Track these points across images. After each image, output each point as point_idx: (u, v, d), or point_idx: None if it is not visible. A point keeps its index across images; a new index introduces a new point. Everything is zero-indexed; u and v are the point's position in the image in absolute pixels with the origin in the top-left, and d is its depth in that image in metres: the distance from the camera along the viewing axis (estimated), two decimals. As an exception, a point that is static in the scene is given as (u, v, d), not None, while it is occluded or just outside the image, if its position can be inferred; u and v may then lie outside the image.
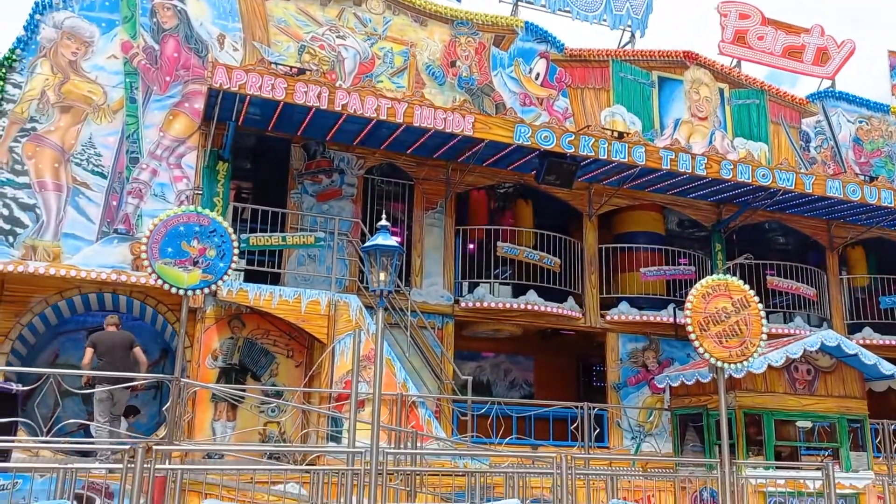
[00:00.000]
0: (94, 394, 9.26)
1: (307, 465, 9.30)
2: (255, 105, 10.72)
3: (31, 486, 6.75)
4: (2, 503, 7.15)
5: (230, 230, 9.27)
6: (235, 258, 9.22)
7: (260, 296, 10.54)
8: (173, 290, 8.83)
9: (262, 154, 12.87)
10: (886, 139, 17.01)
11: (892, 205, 13.52)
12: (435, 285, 12.44)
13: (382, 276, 8.17)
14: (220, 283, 9.14)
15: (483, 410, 11.30)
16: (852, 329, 15.04)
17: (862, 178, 14.31)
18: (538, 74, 14.15)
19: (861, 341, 13.78)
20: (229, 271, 9.17)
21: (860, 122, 16.86)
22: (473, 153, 11.95)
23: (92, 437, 9.51)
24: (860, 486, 11.22)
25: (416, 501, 8.86)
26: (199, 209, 9.39)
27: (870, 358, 11.68)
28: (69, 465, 6.93)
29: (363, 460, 7.66)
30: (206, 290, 9.20)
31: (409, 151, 12.20)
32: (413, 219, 12.67)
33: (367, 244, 8.28)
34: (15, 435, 8.45)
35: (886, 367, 11.74)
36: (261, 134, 11.91)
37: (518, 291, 12.89)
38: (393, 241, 8.18)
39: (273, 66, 10.83)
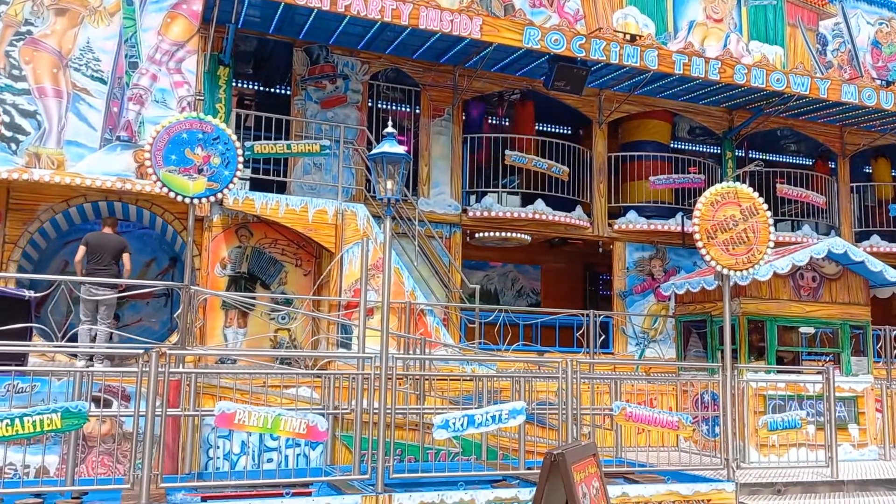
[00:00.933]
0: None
1: (318, 370, 9.50)
2: (254, 6, 10.37)
3: (49, 389, 6.91)
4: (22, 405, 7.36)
5: (234, 137, 9.09)
6: (240, 166, 9.08)
7: (266, 205, 10.50)
8: (179, 199, 8.75)
9: (264, 59, 12.56)
10: (906, 42, 16.47)
11: (909, 110, 13.24)
12: (442, 194, 12.36)
13: (389, 184, 8.07)
14: (225, 191, 9.02)
15: (490, 318, 11.45)
16: (860, 237, 15.02)
17: (878, 82, 13.94)
18: (548, -26, 13.59)
19: (868, 249, 13.79)
20: (235, 179, 9.04)
21: (880, 24, 16.28)
22: (481, 58, 11.64)
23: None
24: (859, 390, 11.44)
25: (425, 404, 9.09)
26: (202, 116, 9.20)
27: (876, 265, 11.67)
28: (86, 369, 7.08)
29: (373, 365, 7.80)
30: (212, 199, 9.10)
31: (414, 56, 11.89)
32: (420, 126, 12.47)
33: (373, 152, 8.15)
34: (30, 340, 8.61)
35: (892, 274, 11.75)
36: (262, 37, 11.59)
37: (526, 201, 12.82)
38: (400, 148, 8.04)
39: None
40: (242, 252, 10.95)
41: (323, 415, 7.73)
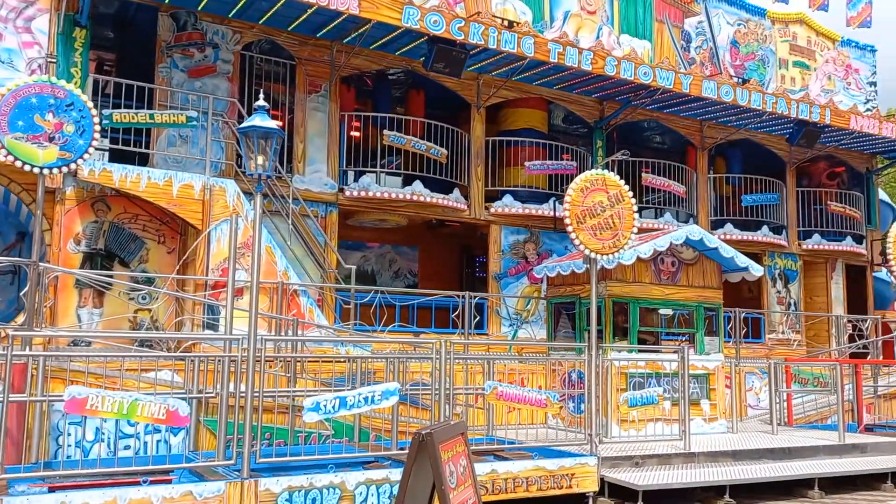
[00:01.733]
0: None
1: (182, 352, 9.07)
2: (115, -35, 9.66)
3: None
4: None
5: (90, 104, 8.47)
6: (97, 136, 8.48)
7: (126, 177, 9.86)
8: (27, 168, 8.07)
9: (126, 23, 11.75)
10: (760, 43, 17.66)
11: (760, 107, 14.18)
12: (318, 172, 12.07)
13: (261, 159, 7.79)
14: (80, 161, 8.42)
15: (366, 299, 11.35)
16: (715, 225, 16.01)
17: (735, 80, 14.87)
18: (429, -46, 13.49)
19: (722, 236, 14.74)
20: (90, 149, 8.44)
21: (739, 24, 17.37)
22: (360, 34, 11.41)
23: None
24: (711, 367, 12.24)
25: (296, 386, 8.89)
26: (54, 80, 8.49)
27: (728, 251, 12.50)
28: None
29: (240, 347, 7.52)
30: (65, 169, 8.46)
31: (290, 28, 11.49)
32: (295, 102, 12.09)
33: (243, 125, 7.82)
34: None
35: (742, 260, 12.63)
36: (124, 0, 10.82)
37: (405, 182, 12.76)
38: (272, 122, 7.76)
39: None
40: (99, 227, 10.24)
41: (185, 399, 7.38)
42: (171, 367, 8.62)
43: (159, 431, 8.25)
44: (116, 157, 10.60)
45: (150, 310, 10.23)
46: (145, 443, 8.27)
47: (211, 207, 10.19)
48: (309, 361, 9.32)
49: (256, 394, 7.39)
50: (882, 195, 20.02)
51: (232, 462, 7.28)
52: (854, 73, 19.20)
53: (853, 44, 19.22)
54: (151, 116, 10.13)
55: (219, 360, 7.85)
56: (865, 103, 18.86)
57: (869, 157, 18.34)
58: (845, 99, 18.31)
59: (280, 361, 9.27)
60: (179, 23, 11.25)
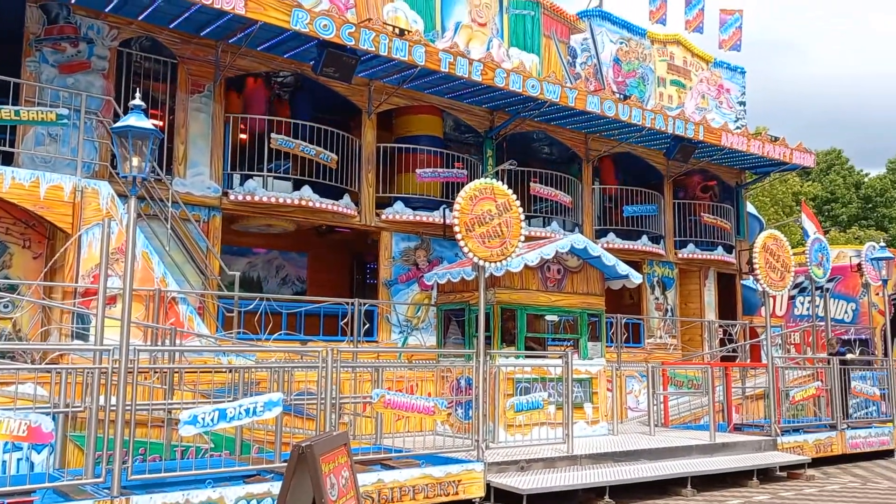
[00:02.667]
0: None
1: (48, 364, 8.50)
2: (-24, -50, 8.98)
3: None
4: None
5: (-56, 98, 7.83)
6: (-48, 131, 7.85)
7: (-13, 177, 9.15)
8: None
9: (-10, 12, 10.93)
10: (641, 61, 18.51)
11: (640, 123, 14.86)
12: (201, 175, 11.63)
13: (136, 161, 7.44)
14: (-69, 159, 7.76)
15: (251, 307, 11.03)
16: (599, 234, 16.62)
17: (618, 96, 15.50)
18: (320, -43, 13.34)
19: (605, 245, 15.32)
20: (-56, 146, 7.81)
21: (621, 43, 18.14)
22: (247, 35, 11.12)
23: None
24: (593, 372, 12.66)
25: (173, 399, 8.51)
26: None
27: (610, 259, 12.98)
28: None
29: (111, 358, 7.13)
30: (-86, 168, 7.78)
31: (171, 26, 11.04)
32: (177, 102, 11.61)
33: (117, 125, 7.45)
34: None
35: (623, 269, 13.14)
36: (-15, -13, 10.08)
37: (294, 186, 12.50)
38: (148, 122, 7.42)
39: None
40: (-46, 231, 9.46)
41: (50, 414, 6.93)
42: (34, 379, 8.05)
43: (20, 449, 7.69)
44: (-23, 155, 9.84)
45: (11, 318, 9.52)
46: (3, 462, 7.69)
47: (82, 210, 9.60)
48: (187, 372, 8.94)
49: (129, 407, 7.02)
50: (750, 208, 21.42)
51: (101, 480, 6.89)
52: (726, 93, 20.46)
53: (725, 65, 20.48)
54: (17, 113, 9.46)
55: (88, 372, 7.41)
56: (736, 121, 20.13)
57: (739, 172, 19.58)
58: (717, 117, 19.47)
59: (156, 373, 8.84)
60: (51, 15, 10.58)
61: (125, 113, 9.13)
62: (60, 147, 10.33)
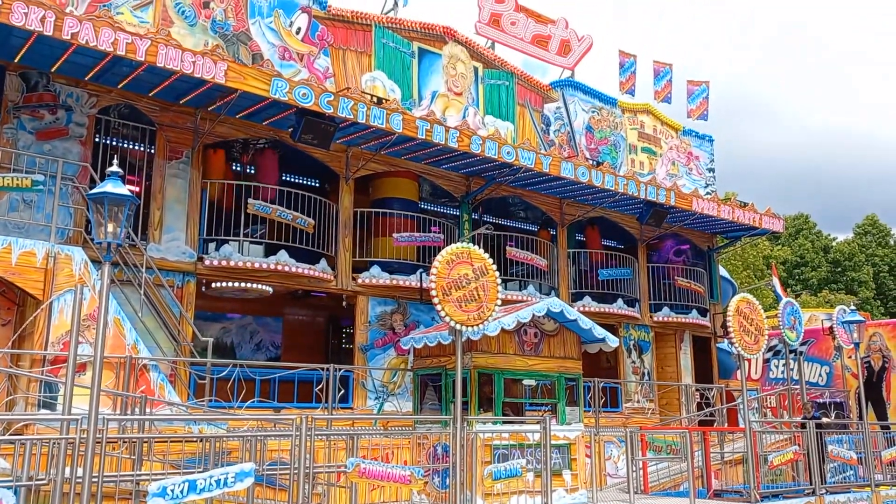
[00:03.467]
0: None
1: (11, 434, 8.24)
2: (-41, 21, 9.09)
3: None
4: None
5: (-82, 164, 7.80)
6: (-76, 197, 7.79)
7: (-42, 243, 9.04)
8: None
9: (-31, 80, 11.02)
10: (613, 129, 19.01)
11: (613, 188, 15.16)
12: (176, 241, 11.61)
13: (111, 227, 7.42)
14: None
15: (224, 374, 10.85)
16: (575, 297, 16.71)
17: (591, 162, 15.86)
18: (299, 29, 13.70)
19: (581, 308, 15.40)
20: (-85, 212, 7.74)
21: (593, 112, 18.65)
22: (226, 103, 11.28)
23: None
24: (572, 437, 12.52)
25: (142, 470, 8.27)
26: None
27: (586, 323, 13.02)
28: None
29: (79, 428, 6.95)
30: None
31: (151, 94, 11.18)
32: (154, 168, 11.66)
33: (93, 191, 7.45)
34: None
35: (599, 332, 13.17)
36: (-33, 56, 10.18)
37: (270, 251, 12.50)
38: (124, 188, 7.44)
39: (-15, -23, 9.24)
40: (-79, 298, 9.28)
41: (11, 488, 6.69)
42: (-2, 452, 7.79)
43: (-21, 526, 7.37)
44: (-52, 221, 9.76)
45: (-24, 388, 9.27)
46: (-40, 540, 7.35)
47: (54, 276, 9.49)
48: (156, 442, 8.72)
49: (96, 478, 6.80)
50: (723, 272, 21.73)
51: (62, 557, 6.61)
52: (695, 160, 21.00)
53: (693, 133, 21.09)
54: (-9, 179, 9.43)
55: (54, 443, 7.20)
56: (706, 187, 20.61)
57: (710, 237, 19.94)
58: (688, 183, 19.94)
59: (124, 443, 8.61)
60: (30, 83, 10.69)
61: (102, 179, 9.17)
62: (35, 213, 10.28)
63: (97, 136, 11.27)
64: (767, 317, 14.70)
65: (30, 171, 10.01)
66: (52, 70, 10.40)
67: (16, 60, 10.13)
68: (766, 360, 22.53)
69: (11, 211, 10.17)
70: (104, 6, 11.25)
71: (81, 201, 10.45)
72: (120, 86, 10.89)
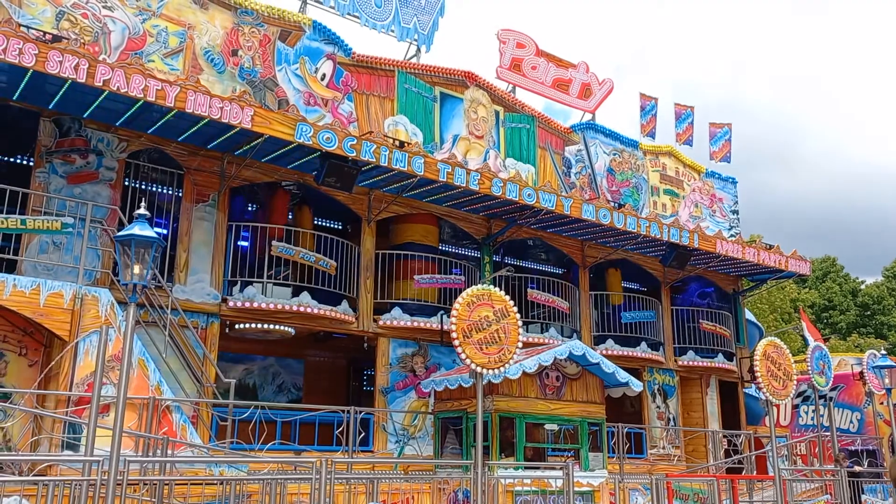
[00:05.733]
0: None
1: (35, 475, 8.28)
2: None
3: None
4: None
5: (-47, 207, 8.03)
6: (-42, 240, 8.00)
7: (-12, 285, 9.22)
8: None
9: (5, 126, 11.37)
10: (634, 171, 19.04)
11: (635, 230, 15.12)
12: (201, 282, 11.74)
13: (137, 268, 7.56)
14: (-65, 267, 7.87)
15: (246, 415, 10.86)
16: (598, 340, 16.56)
17: (612, 204, 15.85)
18: (324, 75, 14.00)
19: (604, 352, 15.23)
20: (-51, 254, 7.93)
21: (614, 154, 18.72)
22: (252, 147, 11.50)
23: None
24: (595, 484, 12.31)
25: (162, 513, 8.24)
26: (-86, 180, 8.03)
27: (609, 367, 12.90)
28: None
29: (101, 469, 6.97)
30: (-83, 275, 7.87)
31: (180, 139, 11.45)
32: (181, 211, 11.87)
33: (121, 233, 7.62)
34: None
35: (622, 376, 13.04)
36: (4, 103, 10.51)
37: (293, 293, 12.59)
38: (151, 231, 7.59)
39: (24, 29, 9.61)
40: (-48, 339, 9.45)
41: (32, 529, 6.70)
42: (21, 492, 7.82)
43: (-1, 568, 7.37)
44: (-19, 262, 9.98)
45: (2, 428, 9.35)
46: (-19, 582, 7.36)
47: (81, 318, 9.63)
48: (177, 484, 8.70)
49: (115, 522, 6.80)
50: (749, 315, 21.44)
51: None
52: (718, 202, 20.91)
53: (716, 175, 21.05)
54: (23, 222, 9.64)
55: (76, 484, 7.23)
56: (730, 229, 20.48)
57: (735, 279, 19.73)
58: (711, 225, 19.84)
59: (145, 485, 8.61)
60: (62, 128, 11.00)
61: (130, 221, 9.36)
62: (63, 255, 10.48)
63: (126, 179, 11.53)
64: (795, 361, 14.44)
65: (60, 214, 10.23)
66: (85, 116, 10.70)
67: (50, 107, 10.45)
68: (795, 406, 22.04)
69: (41, 253, 10.38)
70: (135, 54, 11.61)
71: (109, 243, 10.64)
72: (150, 131, 11.17)
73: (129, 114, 10.54)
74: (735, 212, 21.19)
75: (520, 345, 10.99)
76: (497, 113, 16.53)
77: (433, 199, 14.08)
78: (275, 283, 12.61)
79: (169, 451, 9.43)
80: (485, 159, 15.84)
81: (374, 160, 11.83)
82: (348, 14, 14.82)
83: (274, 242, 12.29)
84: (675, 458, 16.83)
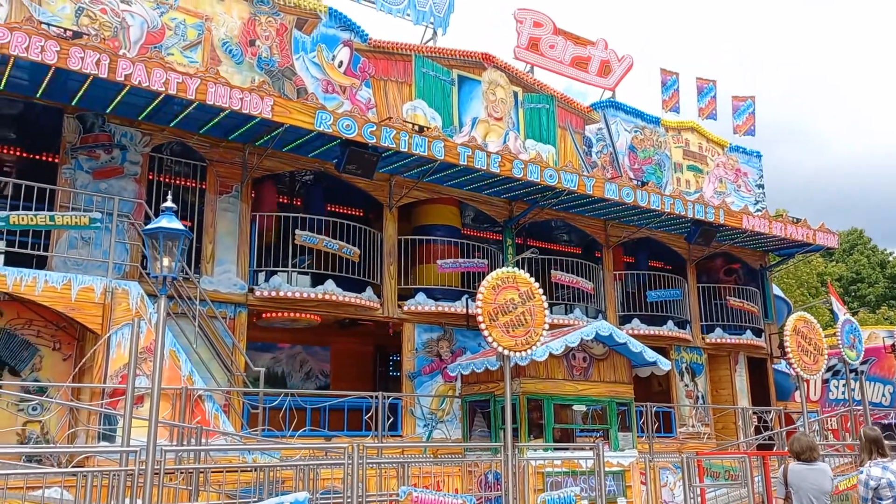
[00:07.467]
0: None
1: (73, 466, 8.45)
2: (21, 68, 9.54)
3: None
4: None
5: (-16, 206, 8.15)
6: (-10, 239, 8.13)
7: (21, 281, 9.38)
8: None
9: (30, 124, 11.52)
10: (657, 148, 18.84)
11: (659, 208, 14.98)
12: (228, 273, 11.84)
13: (166, 261, 7.63)
14: (-31, 266, 8.01)
15: (276, 403, 10.98)
16: (623, 320, 16.47)
17: (635, 182, 15.71)
18: (341, 62, 13.98)
19: (630, 331, 15.15)
20: (-18, 252, 8.07)
21: (635, 131, 18.53)
22: (272, 137, 11.54)
23: None
24: (626, 464, 12.30)
25: (198, 500, 8.38)
26: (-55, 180, 8.16)
27: (636, 346, 12.83)
28: None
29: (137, 459, 7.09)
30: (-48, 274, 8.03)
31: (201, 131, 11.51)
32: (206, 202, 11.97)
33: (149, 226, 7.69)
34: None
35: (650, 355, 12.97)
36: (28, 101, 10.64)
37: (317, 281, 12.66)
38: (179, 223, 7.65)
39: (44, 26, 9.69)
40: (-12, 334, 9.64)
41: (74, 519, 6.84)
42: (61, 483, 7.99)
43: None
44: (13, 260, 10.13)
45: (40, 421, 9.55)
46: (26, 571, 7.54)
47: (112, 311, 9.77)
48: (212, 472, 8.84)
49: (153, 510, 6.92)
50: (776, 290, 21.20)
51: (123, 588, 6.72)
52: (743, 177, 20.64)
53: (741, 149, 20.76)
54: (51, 218, 9.78)
55: (114, 475, 7.35)
56: (755, 204, 20.23)
57: (762, 255, 19.51)
58: (737, 200, 19.60)
59: (181, 473, 8.75)
60: (86, 124, 11.10)
61: (156, 215, 9.45)
62: (92, 249, 10.62)
63: (151, 173, 11.62)
64: (825, 336, 14.28)
65: (87, 210, 10.36)
66: (108, 111, 10.78)
67: (73, 103, 10.54)
68: (826, 381, 21.82)
69: (71, 248, 10.53)
70: (155, 47, 11.67)
71: (137, 237, 10.77)
72: (171, 124, 11.24)
73: (150, 108, 10.61)
74: (760, 186, 20.92)
75: (546, 326, 10.96)
76: (516, 94, 16.42)
77: (454, 182, 14.05)
78: (299, 272, 12.69)
79: (203, 440, 9.57)
80: (504, 141, 15.76)
81: (394, 146, 11.80)
82: (364, 0, 14.76)
83: (297, 231, 12.35)
84: (705, 436, 16.76)
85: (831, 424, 19.35)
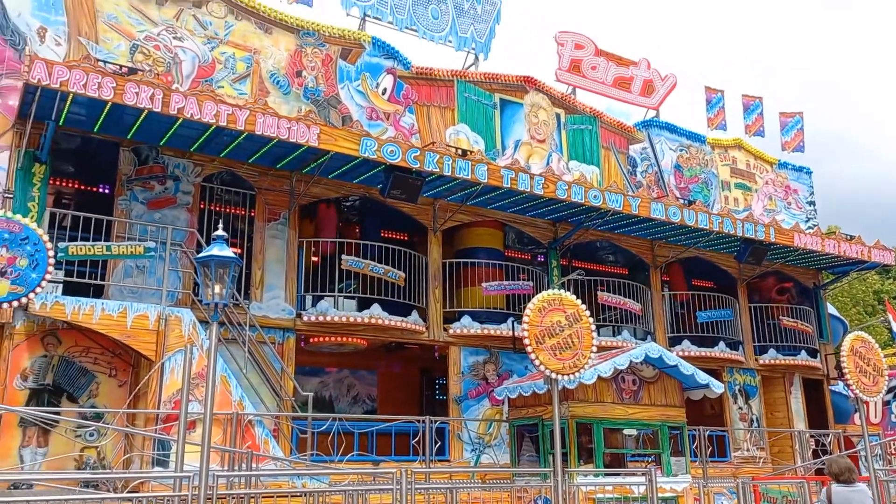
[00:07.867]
0: None
1: (129, 492, 8.63)
2: (79, 104, 9.93)
3: None
4: None
5: (45, 238, 8.48)
6: (51, 269, 8.44)
7: (79, 310, 9.69)
8: (-25, 303, 7.93)
9: (88, 157, 11.95)
10: (703, 167, 18.60)
11: (707, 227, 14.74)
12: (276, 299, 12.04)
13: (218, 288, 7.80)
14: (31, 295, 8.32)
15: (324, 427, 11.05)
16: (673, 342, 16.18)
17: (681, 201, 15.51)
18: (385, 90, 14.20)
19: (680, 353, 14.88)
20: (43, 283, 8.38)
21: (680, 150, 18.33)
22: (319, 164, 11.75)
23: None
24: (679, 490, 12.02)
25: (249, 525, 8.47)
26: (9, 214, 8.52)
27: (688, 368, 12.59)
28: None
29: (191, 485, 7.21)
30: (16, 304, 8.34)
31: (250, 160, 11.79)
32: (255, 230, 12.22)
33: (201, 255, 7.88)
34: None
35: (702, 377, 12.70)
36: (86, 135, 11.05)
37: (362, 305, 12.77)
38: (229, 251, 7.83)
39: (101, 63, 10.09)
40: (48, 362, 9.94)
41: (130, 544, 6.98)
42: (117, 508, 8.17)
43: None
44: (71, 289, 10.48)
45: (97, 447, 9.79)
46: None
47: (166, 338, 10.01)
48: (263, 497, 8.93)
49: (207, 535, 7.02)
50: (831, 309, 20.59)
51: None
52: (793, 194, 20.22)
53: (790, 166, 20.35)
54: (108, 248, 10.11)
55: (168, 500, 7.49)
56: (807, 221, 19.77)
57: (815, 273, 19.01)
58: (787, 218, 19.18)
59: (233, 499, 8.86)
60: (141, 156, 11.48)
61: (207, 243, 9.69)
62: (147, 278, 10.92)
63: (202, 202, 11.93)
64: (885, 356, 13.80)
65: (142, 239, 10.68)
66: (161, 143, 11.15)
67: (128, 136, 10.92)
68: (887, 403, 21.01)
69: (126, 277, 10.84)
70: (206, 81, 12.03)
71: (189, 265, 11.04)
72: (222, 154, 11.54)
73: (202, 139, 10.92)
74: (811, 203, 20.45)
75: (594, 349, 10.85)
76: (558, 116, 16.42)
77: (498, 205, 14.07)
78: (346, 297, 12.83)
79: (253, 465, 9.68)
80: (548, 163, 15.75)
81: (438, 170, 11.89)
82: (406, 28, 15.00)
83: (343, 256, 12.50)
84: (761, 461, 16.29)
85: (894, 448, 18.61)
